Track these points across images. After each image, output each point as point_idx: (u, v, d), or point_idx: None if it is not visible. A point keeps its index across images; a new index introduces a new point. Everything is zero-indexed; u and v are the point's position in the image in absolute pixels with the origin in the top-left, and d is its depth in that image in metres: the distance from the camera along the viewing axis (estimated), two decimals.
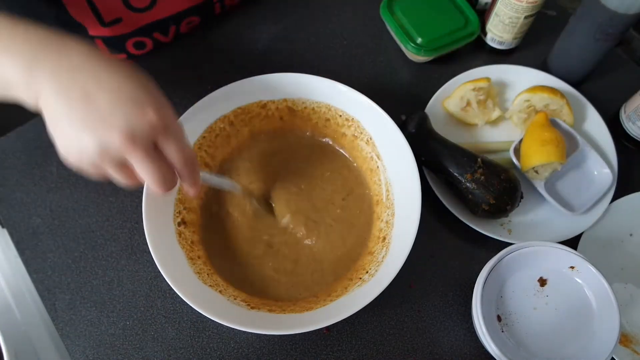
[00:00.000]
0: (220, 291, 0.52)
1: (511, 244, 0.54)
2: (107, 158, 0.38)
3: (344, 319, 0.48)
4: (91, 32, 0.62)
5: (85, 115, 0.37)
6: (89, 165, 0.39)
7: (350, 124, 0.60)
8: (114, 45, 0.65)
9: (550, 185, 0.62)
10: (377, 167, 0.59)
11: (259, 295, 0.54)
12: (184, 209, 0.56)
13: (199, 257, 0.54)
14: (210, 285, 0.52)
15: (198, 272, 0.52)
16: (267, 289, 0.55)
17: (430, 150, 0.60)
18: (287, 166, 0.61)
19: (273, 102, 0.60)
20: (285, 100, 0.60)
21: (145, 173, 0.39)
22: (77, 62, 0.38)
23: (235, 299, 0.52)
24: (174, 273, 0.49)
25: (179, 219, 0.55)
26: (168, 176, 0.41)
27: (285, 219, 0.58)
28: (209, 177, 0.53)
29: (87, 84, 0.38)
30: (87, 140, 0.37)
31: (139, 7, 0.61)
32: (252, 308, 0.51)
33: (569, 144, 0.62)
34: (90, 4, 0.57)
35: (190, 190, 0.46)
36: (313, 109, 0.61)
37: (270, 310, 0.51)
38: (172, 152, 0.41)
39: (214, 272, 0.54)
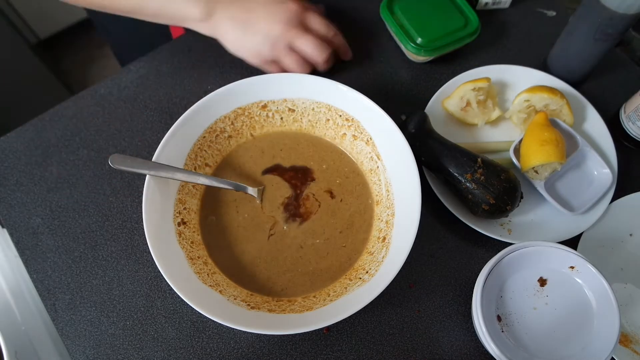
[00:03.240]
0: (220, 291, 0.52)
1: (511, 244, 0.54)
2: (277, 46, 0.60)
3: (344, 319, 0.48)
4: None
5: (254, 28, 0.59)
6: (269, 60, 0.62)
7: (350, 124, 0.60)
8: None
9: (550, 185, 0.62)
10: (377, 167, 0.59)
11: (259, 292, 0.54)
12: (184, 209, 0.56)
13: (199, 257, 0.54)
14: (210, 285, 0.52)
15: (198, 272, 0.52)
16: (268, 287, 0.55)
17: (430, 150, 0.60)
18: (287, 166, 0.61)
19: (273, 102, 0.60)
20: (285, 100, 0.60)
21: (307, 44, 0.60)
22: None
23: (235, 299, 0.52)
24: (174, 273, 0.49)
25: (179, 219, 0.55)
26: (323, 45, 0.62)
27: (284, 219, 0.58)
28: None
29: (249, 8, 0.59)
30: (261, 40, 0.60)
31: None
32: (252, 308, 0.51)
33: (568, 144, 0.62)
34: None
35: (347, 54, 0.68)
36: (313, 109, 0.61)
37: (270, 310, 0.51)
38: (315, 24, 0.62)
39: (214, 271, 0.54)
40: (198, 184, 0.57)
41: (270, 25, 0.59)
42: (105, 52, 1.73)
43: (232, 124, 0.60)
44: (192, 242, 0.55)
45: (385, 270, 0.51)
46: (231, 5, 0.59)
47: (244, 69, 0.70)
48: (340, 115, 0.60)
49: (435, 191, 0.60)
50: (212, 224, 0.58)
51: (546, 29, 0.75)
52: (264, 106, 0.60)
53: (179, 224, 0.55)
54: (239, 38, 0.60)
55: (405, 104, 0.69)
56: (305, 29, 0.61)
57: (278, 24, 0.58)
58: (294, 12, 0.59)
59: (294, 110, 0.61)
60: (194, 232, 0.56)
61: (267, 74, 0.58)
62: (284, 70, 0.62)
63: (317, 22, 0.62)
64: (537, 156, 0.59)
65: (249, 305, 0.52)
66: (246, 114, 0.60)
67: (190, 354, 0.55)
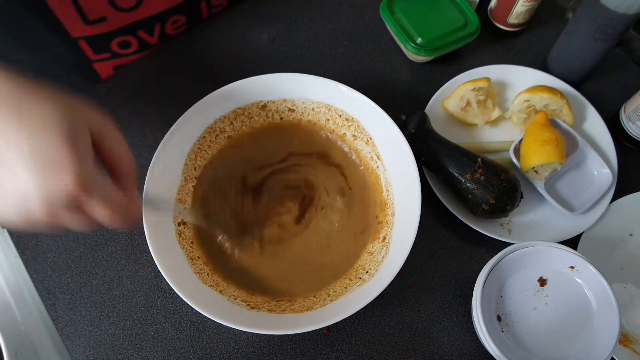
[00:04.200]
0: (220, 291, 0.52)
1: (511, 244, 0.54)
2: (37, 224, 0.35)
3: (344, 319, 0.48)
4: (74, 34, 0.60)
5: (7, 188, 0.33)
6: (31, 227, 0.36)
7: (350, 124, 0.60)
8: (98, 45, 0.64)
9: (550, 185, 0.62)
10: (377, 167, 0.59)
11: (259, 292, 0.54)
12: (184, 209, 0.56)
13: (199, 257, 0.54)
14: (210, 285, 0.52)
15: (198, 272, 0.52)
16: (267, 287, 0.55)
17: (430, 150, 0.60)
18: (287, 166, 0.61)
19: (273, 102, 0.60)
20: (285, 100, 0.60)
21: (80, 228, 0.37)
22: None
23: (235, 299, 0.52)
24: (174, 273, 0.49)
25: (179, 219, 0.55)
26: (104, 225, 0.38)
27: (283, 219, 0.58)
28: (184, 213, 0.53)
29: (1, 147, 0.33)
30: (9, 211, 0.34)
31: (124, 7, 0.59)
32: (252, 308, 0.51)
33: (568, 144, 0.62)
34: (75, 3, 0.56)
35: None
36: (313, 109, 0.61)
37: (270, 310, 0.51)
38: (99, 215, 0.37)
39: (214, 271, 0.54)
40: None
41: (27, 201, 0.33)
42: None
43: (232, 124, 0.60)
44: (192, 242, 0.55)
45: (385, 270, 0.51)
46: None
47: (243, 69, 0.70)
48: (340, 115, 0.60)
49: (435, 191, 0.60)
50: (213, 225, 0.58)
51: (546, 29, 0.75)
52: (264, 106, 0.60)
53: (179, 224, 0.55)
54: None
55: (405, 104, 0.69)
56: (80, 209, 0.36)
57: (37, 204, 0.33)
58: (64, 193, 0.33)
59: (293, 110, 0.61)
60: (194, 232, 0.56)
61: (266, 74, 0.58)
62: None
63: (100, 214, 0.37)
64: (537, 156, 0.59)
65: (249, 305, 0.52)
66: (246, 114, 0.60)
67: (190, 354, 0.55)
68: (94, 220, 0.37)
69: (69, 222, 0.36)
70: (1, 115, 0.32)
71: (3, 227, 0.34)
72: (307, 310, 0.51)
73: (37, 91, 0.34)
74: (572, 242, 0.60)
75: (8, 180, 0.33)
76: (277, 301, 0.54)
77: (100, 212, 0.37)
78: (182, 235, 0.54)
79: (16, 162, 0.32)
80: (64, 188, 0.33)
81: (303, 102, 0.60)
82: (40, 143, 0.33)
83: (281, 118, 0.62)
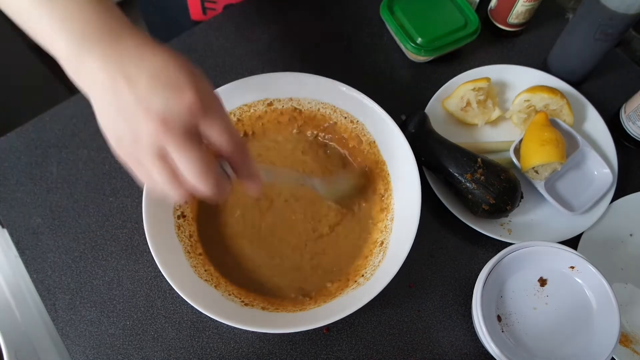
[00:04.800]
0: (215, 286, 0.52)
1: (511, 244, 0.54)
2: (141, 147, 0.35)
3: (343, 319, 0.48)
4: None
5: (125, 101, 0.35)
6: (131, 159, 0.36)
7: (355, 126, 0.60)
8: None
9: (550, 185, 0.62)
10: (377, 166, 0.59)
11: (254, 290, 0.54)
12: (185, 202, 0.56)
13: (196, 251, 0.54)
14: (205, 280, 0.52)
15: (194, 266, 0.53)
16: (263, 286, 0.55)
17: (430, 150, 0.60)
18: (288, 166, 0.61)
19: (279, 100, 0.60)
20: (291, 99, 0.60)
21: (187, 163, 0.35)
22: (126, 47, 0.36)
23: (229, 294, 0.52)
24: (169, 264, 0.49)
25: (179, 212, 0.55)
26: (214, 169, 0.36)
27: (284, 214, 0.58)
28: (269, 172, 0.49)
29: (130, 68, 0.35)
30: (123, 127, 0.35)
31: None
32: (246, 305, 0.51)
33: (569, 144, 0.62)
34: None
35: (251, 186, 0.41)
36: (319, 109, 0.61)
37: (263, 308, 0.51)
38: (216, 134, 0.37)
39: (210, 265, 0.54)
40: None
41: (142, 111, 0.35)
42: None
43: (239, 120, 0.60)
44: (190, 236, 0.55)
45: (381, 274, 0.51)
46: (113, 53, 0.36)
47: (244, 70, 0.70)
48: (345, 117, 0.60)
49: (435, 191, 0.60)
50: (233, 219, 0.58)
51: (546, 29, 0.75)
52: (270, 104, 0.60)
53: (178, 217, 0.55)
54: (105, 106, 0.37)
55: (405, 104, 0.68)
56: (195, 138, 0.36)
57: (152, 118, 0.34)
58: (185, 108, 0.35)
59: (300, 110, 0.61)
60: (192, 225, 0.56)
61: (271, 73, 0.58)
62: (156, 184, 0.37)
63: (217, 133, 0.37)
64: (537, 156, 0.59)
65: (242, 302, 0.52)
66: (252, 110, 0.60)
67: (190, 354, 0.55)
68: (182, 179, 0.36)
69: (180, 143, 0.35)
70: (132, 41, 0.37)
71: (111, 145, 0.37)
72: (300, 310, 0.51)
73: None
74: (572, 242, 0.60)
75: (131, 95, 0.35)
76: (271, 299, 0.54)
77: (216, 135, 0.37)
78: (181, 228, 0.54)
79: (140, 79, 0.35)
80: (187, 104, 0.35)
81: (309, 103, 0.60)
82: (164, 67, 0.36)
83: (287, 118, 0.61)
